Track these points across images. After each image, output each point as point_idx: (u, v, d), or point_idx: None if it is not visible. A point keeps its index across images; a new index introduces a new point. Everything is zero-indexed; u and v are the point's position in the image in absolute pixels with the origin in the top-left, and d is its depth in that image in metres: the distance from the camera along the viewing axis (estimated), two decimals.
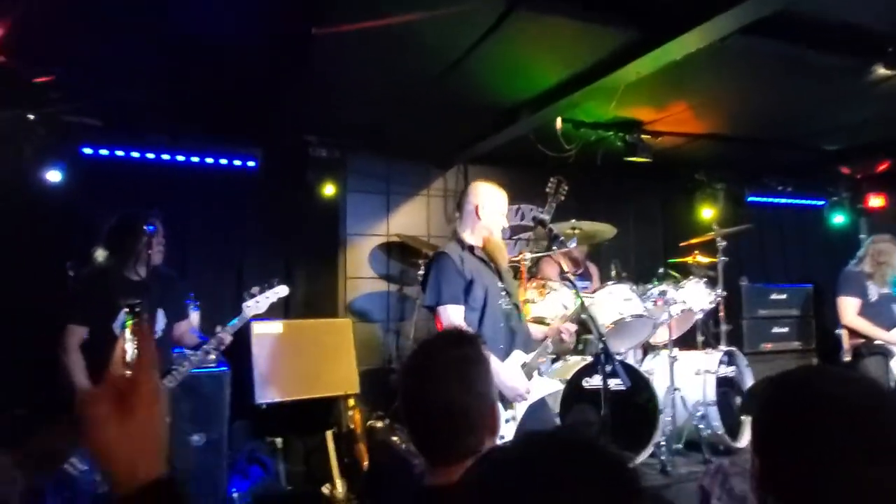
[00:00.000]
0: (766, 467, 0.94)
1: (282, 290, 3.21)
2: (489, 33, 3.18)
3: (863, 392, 0.92)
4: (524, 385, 2.75)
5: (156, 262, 2.95)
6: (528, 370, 2.79)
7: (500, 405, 2.70)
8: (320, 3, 2.93)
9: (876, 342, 4.37)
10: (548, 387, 2.94)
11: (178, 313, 3.17)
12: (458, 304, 2.73)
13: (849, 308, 4.47)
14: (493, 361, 2.62)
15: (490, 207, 2.90)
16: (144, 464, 0.69)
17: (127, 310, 1.29)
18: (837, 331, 4.67)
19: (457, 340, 1.47)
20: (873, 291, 4.45)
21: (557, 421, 3.00)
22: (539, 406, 2.85)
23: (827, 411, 0.90)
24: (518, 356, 2.81)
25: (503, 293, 2.87)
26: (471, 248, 2.89)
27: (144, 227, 2.81)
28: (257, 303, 3.10)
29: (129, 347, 1.28)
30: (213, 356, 3.01)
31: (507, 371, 2.73)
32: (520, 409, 2.77)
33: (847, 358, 4.57)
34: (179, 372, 2.79)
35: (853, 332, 4.48)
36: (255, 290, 3.14)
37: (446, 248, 2.91)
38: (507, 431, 2.71)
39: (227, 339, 2.94)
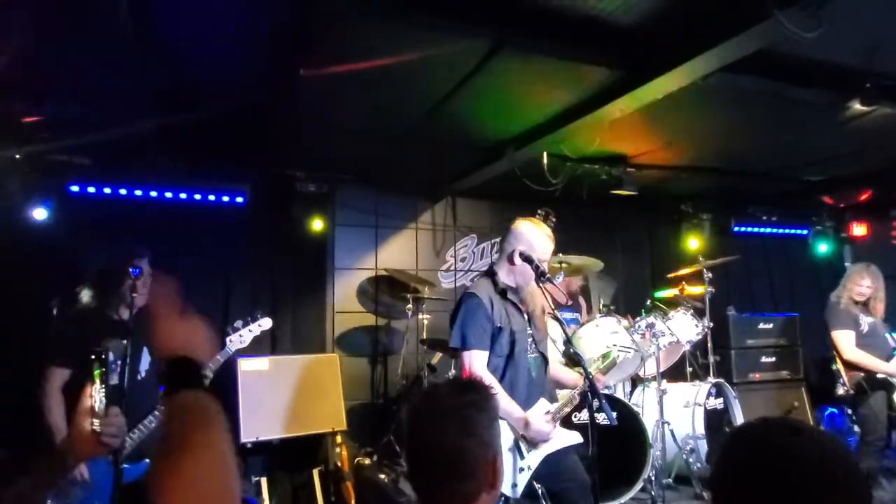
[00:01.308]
0: None
1: (265, 323, 3.16)
2: (474, 73, 3.24)
3: (819, 448, 0.92)
4: (545, 433, 2.67)
5: (140, 305, 2.91)
6: (552, 419, 2.71)
7: (515, 454, 2.66)
8: (308, 44, 2.97)
9: (878, 375, 4.21)
10: (567, 438, 2.81)
11: None
12: (482, 350, 2.66)
13: (847, 342, 4.29)
14: (516, 408, 2.61)
15: (533, 250, 2.74)
16: (184, 349, 1.09)
17: (93, 357, 1.29)
18: (834, 366, 4.50)
19: (465, 386, 1.46)
20: (863, 322, 4.34)
21: (581, 470, 2.87)
22: (556, 458, 2.75)
23: (782, 468, 0.90)
24: (543, 405, 2.74)
25: (531, 341, 2.79)
26: (503, 292, 2.78)
27: (130, 272, 2.78)
28: (240, 337, 3.06)
29: (98, 397, 1.28)
30: None
31: (530, 419, 2.66)
32: (534, 460, 2.70)
33: (841, 392, 4.45)
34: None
35: (850, 366, 4.30)
36: (238, 323, 3.09)
37: (477, 287, 2.80)
38: (520, 480, 2.65)
39: (209, 375, 2.89)
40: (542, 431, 2.66)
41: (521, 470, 2.67)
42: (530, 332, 2.81)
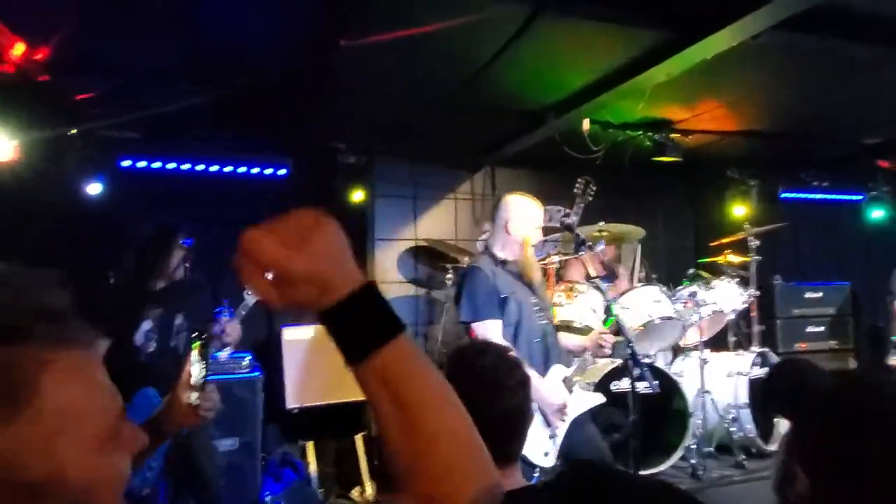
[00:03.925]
0: (823, 493, 0.83)
1: None
2: (514, 39, 3.19)
3: None
4: (563, 400, 2.70)
5: (177, 276, 3.02)
6: (569, 384, 2.76)
7: (543, 423, 2.70)
8: (348, 14, 2.97)
9: None
10: (590, 400, 2.86)
11: (201, 318, 3.15)
12: (495, 319, 2.70)
13: None
14: (534, 377, 2.64)
15: (520, 222, 2.84)
16: (338, 279, 0.68)
17: (195, 334, 1.36)
18: (894, 338, 4.35)
19: (506, 350, 1.52)
20: None
21: (599, 437, 2.91)
22: (582, 421, 2.80)
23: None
24: (558, 370, 2.77)
25: (537, 308, 2.82)
26: (503, 263, 2.84)
27: (179, 242, 2.89)
28: None
29: (196, 370, 1.34)
30: (228, 347, 3.08)
31: (547, 387, 2.69)
32: (563, 425, 2.74)
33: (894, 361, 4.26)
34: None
35: None
36: None
37: (479, 261, 2.87)
38: (549, 447, 2.69)
39: (234, 327, 3.00)
40: (555, 401, 2.68)
41: (552, 437, 2.70)
42: (535, 300, 2.83)
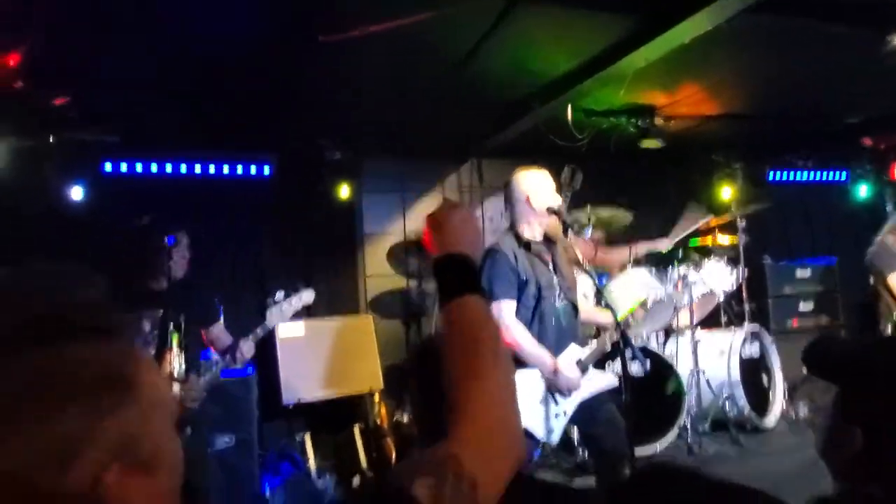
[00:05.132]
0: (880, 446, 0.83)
1: (307, 297, 3.02)
2: (495, 28, 3.20)
3: None
4: (576, 377, 2.75)
5: (177, 275, 2.97)
6: (583, 366, 2.79)
7: (549, 401, 2.74)
8: (327, 9, 2.97)
9: None
10: (601, 382, 2.88)
11: (205, 318, 3.08)
12: (511, 300, 2.73)
13: None
14: (546, 356, 2.67)
15: (541, 192, 2.86)
16: (448, 245, 1.03)
17: (171, 327, 1.36)
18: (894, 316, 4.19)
19: None
20: None
21: (618, 416, 2.89)
22: (601, 399, 2.84)
23: None
24: (573, 351, 2.80)
25: (558, 289, 2.85)
26: (527, 245, 2.86)
27: (164, 240, 2.86)
28: (281, 310, 2.94)
29: (177, 362, 1.35)
30: (238, 363, 3.00)
31: (559, 364, 2.74)
32: (569, 405, 2.77)
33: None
34: (206, 379, 2.77)
35: None
36: (279, 295, 2.95)
37: (501, 243, 2.88)
38: (556, 426, 2.75)
39: (249, 348, 2.90)
40: (570, 379, 2.72)
41: (557, 416, 2.74)
42: (557, 280, 2.86)
